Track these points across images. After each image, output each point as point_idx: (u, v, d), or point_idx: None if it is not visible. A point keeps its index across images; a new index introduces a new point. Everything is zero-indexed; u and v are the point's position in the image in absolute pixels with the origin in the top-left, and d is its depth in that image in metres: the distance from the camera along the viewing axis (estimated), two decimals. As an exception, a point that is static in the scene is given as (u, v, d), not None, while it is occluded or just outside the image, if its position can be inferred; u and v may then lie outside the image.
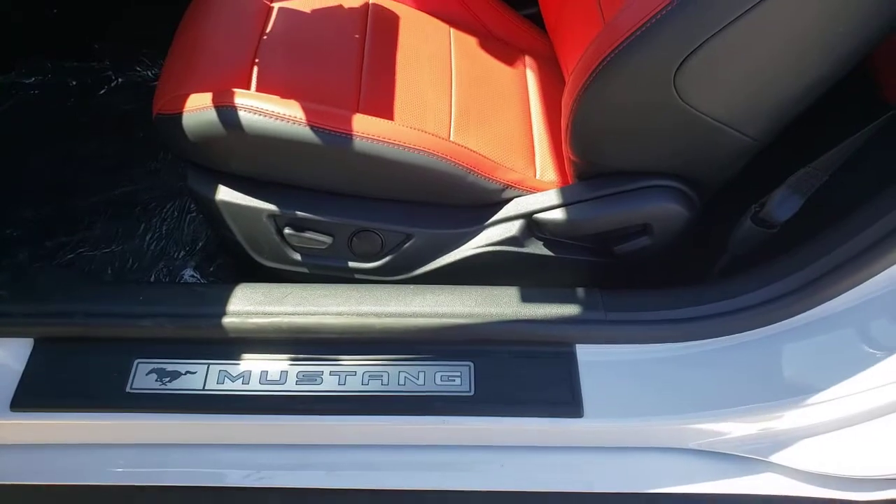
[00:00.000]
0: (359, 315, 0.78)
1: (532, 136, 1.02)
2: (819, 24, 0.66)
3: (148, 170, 1.26)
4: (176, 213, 1.21)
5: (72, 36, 1.43)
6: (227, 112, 0.79)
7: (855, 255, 0.70)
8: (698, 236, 0.90)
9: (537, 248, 0.90)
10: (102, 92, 1.37)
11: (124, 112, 1.34)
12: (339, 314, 0.78)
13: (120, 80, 1.38)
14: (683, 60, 0.67)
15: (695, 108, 0.72)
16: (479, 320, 0.78)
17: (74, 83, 1.39)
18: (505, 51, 1.16)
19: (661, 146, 0.79)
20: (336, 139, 0.80)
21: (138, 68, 1.40)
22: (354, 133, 0.80)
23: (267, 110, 0.79)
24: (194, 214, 1.22)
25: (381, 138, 0.81)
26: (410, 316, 0.78)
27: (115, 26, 1.40)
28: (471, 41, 1.14)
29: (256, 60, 0.92)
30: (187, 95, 0.84)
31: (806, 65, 0.70)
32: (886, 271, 0.69)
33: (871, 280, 0.70)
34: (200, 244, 1.18)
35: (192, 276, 1.14)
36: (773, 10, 0.63)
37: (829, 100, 0.76)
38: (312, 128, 0.79)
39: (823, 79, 0.72)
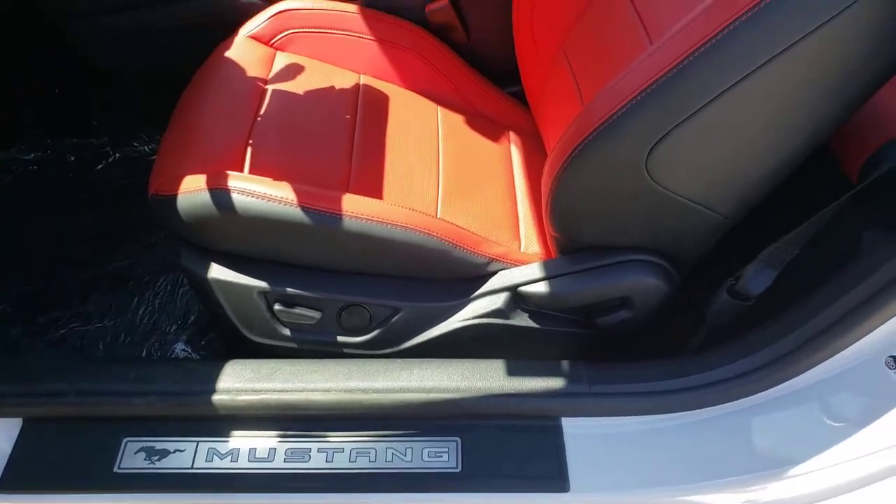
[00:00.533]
0: (346, 391, 0.79)
1: (517, 210, 1.06)
2: (785, 109, 0.70)
3: (143, 243, 1.29)
4: (169, 287, 1.23)
5: (73, 113, 1.48)
6: (220, 194, 0.82)
7: (823, 330, 0.73)
8: (679, 307, 0.92)
9: (523, 320, 0.92)
10: (100, 167, 1.42)
11: (121, 186, 1.38)
12: (327, 390, 0.79)
13: (118, 155, 1.42)
14: (654, 146, 0.71)
15: (667, 189, 0.75)
16: (465, 395, 0.79)
17: (73, 158, 1.43)
18: (490, 127, 1.21)
19: (638, 225, 0.82)
20: (326, 219, 0.83)
21: (136, 143, 1.45)
22: (344, 213, 0.83)
23: (259, 192, 0.83)
24: (187, 287, 1.24)
25: (369, 217, 0.84)
26: (398, 391, 0.79)
27: (115, 104, 1.45)
28: (457, 119, 1.19)
29: (250, 141, 0.96)
30: (182, 177, 0.87)
31: (774, 147, 0.74)
32: (852, 346, 0.72)
33: (839, 354, 0.73)
34: (192, 317, 1.19)
35: (184, 350, 1.15)
36: (739, 97, 0.67)
37: (794, 173, 0.80)
38: (303, 209, 0.82)
39: (792, 158, 0.76)
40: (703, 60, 0.65)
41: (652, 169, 0.73)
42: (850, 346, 0.72)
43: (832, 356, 0.73)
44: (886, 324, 0.72)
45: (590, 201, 0.80)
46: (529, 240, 1.00)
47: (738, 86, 0.66)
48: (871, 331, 0.72)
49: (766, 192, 0.80)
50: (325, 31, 1.18)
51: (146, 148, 1.44)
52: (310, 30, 1.17)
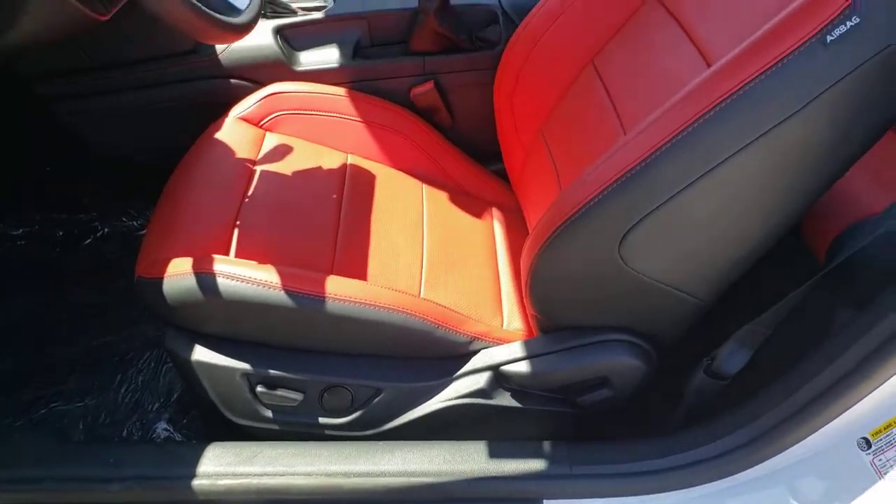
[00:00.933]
0: (328, 475, 0.79)
1: (500, 286, 1.08)
2: (752, 198, 0.73)
3: (128, 319, 1.29)
4: (152, 364, 1.23)
5: (62, 189, 1.51)
6: (206, 278, 0.84)
7: (795, 412, 0.74)
8: (659, 386, 0.93)
9: (505, 399, 0.93)
10: (88, 241, 1.43)
11: (108, 261, 1.39)
12: (309, 475, 0.79)
13: (106, 230, 1.44)
14: (626, 234, 0.74)
15: (641, 274, 0.78)
16: (447, 479, 0.79)
17: (61, 234, 1.45)
18: (474, 205, 1.25)
19: (614, 307, 0.84)
20: (310, 302, 0.85)
21: (124, 219, 1.47)
22: (328, 295, 0.85)
23: (244, 276, 0.84)
24: (171, 365, 1.24)
25: (353, 299, 0.86)
26: (379, 475, 0.79)
27: (105, 181, 1.48)
28: (442, 196, 1.22)
29: (238, 222, 0.99)
30: (168, 260, 0.89)
31: (744, 233, 0.77)
32: (824, 428, 0.73)
33: (811, 436, 0.74)
34: (175, 395, 1.19)
35: (166, 429, 1.14)
36: (708, 188, 0.70)
37: (767, 254, 0.83)
38: (288, 292, 0.84)
39: (764, 242, 0.79)
40: (670, 154, 0.69)
41: (625, 255, 0.76)
42: (821, 427, 0.73)
43: (805, 438, 0.74)
44: (858, 405, 0.74)
45: (566, 285, 0.82)
46: (512, 317, 1.02)
47: (705, 177, 0.69)
48: (843, 412, 0.73)
49: (739, 275, 0.83)
50: (313, 112, 1.22)
51: (135, 223, 1.46)
52: (299, 111, 1.21)
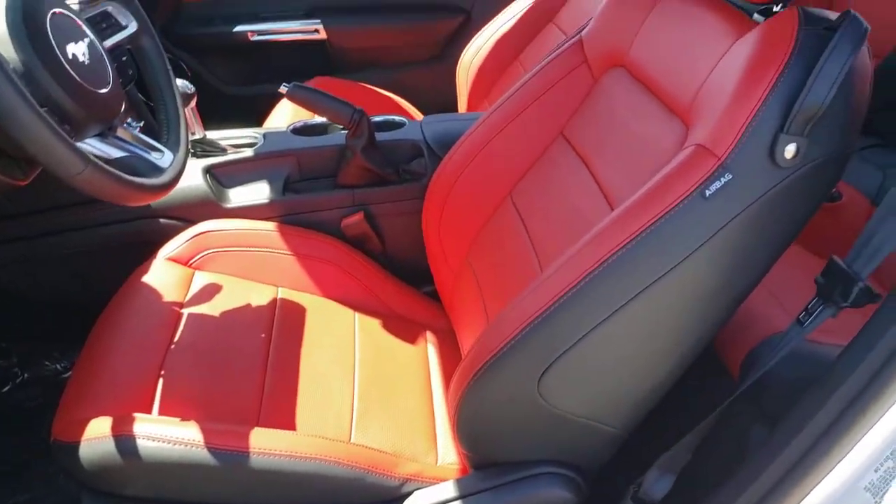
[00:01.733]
0: None
1: (434, 418, 1.08)
2: (660, 332, 0.77)
3: (46, 472, 1.22)
4: (71, 525, 1.16)
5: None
6: (125, 441, 0.81)
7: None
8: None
9: (441, 540, 0.91)
10: (7, 389, 1.37)
11: (28, 409, 1.33)
12: None
13: (26, 375, 1.39)
14: (543, 373, 0.77)
15: (561, 410, 0.80)
16: None
17: (-23, 382, 1.39)
18: (407, 328, 1.26)
19: (540, 441, 0.86)
20: (235, 458, 0.83)
21: (47, 363, 1.41)
22: (253, 450, 0.84)
23: (165, 436, 0.82)
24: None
25: (279, 453, 0.85)
26: None
27: (27, 326, 1.44)
28: (374, 323, 1.23)
29: (162, 373, 0.97)
30: (86, 421, 0.86)
31: (654, 365, 0.81)
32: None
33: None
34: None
35: None
36: (611, 329, 0.74)
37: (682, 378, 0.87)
38: (211, 450, 0.82)
39: (675, 370, 0.82)
40: (574, 301, 0.74)
41: (544, 393, 0.78)
42: None
43: None
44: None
45: (491, 424, 0.84)
46: (446, 450, 1.02)
47: (608, 321, 0.73)
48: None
49: (655, 402, 0.86)
50: (243, 248, 1.23)
51: (58, 366, 1.41)
52: (228, 248, 1.22)
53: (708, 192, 0.70)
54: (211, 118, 1.40)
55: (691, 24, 0.90)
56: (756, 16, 0.81)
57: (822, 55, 0.66)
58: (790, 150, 0.68)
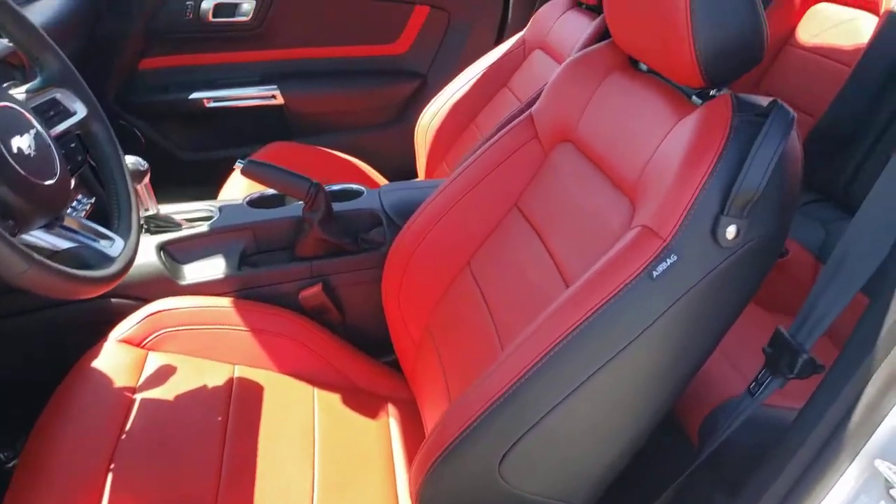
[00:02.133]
0: None
1: (396, 495, 1.05)
2: (616, 409, 0.77)
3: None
4: None
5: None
6: (70, 548, 0.78)
7: None
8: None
9: None
10: (-54, 482, 1.29)
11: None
12: None
13: (-33, 466, 1.32)
14: (504, 456, 0.76)
15: (523, 491, 0.80)
16: None
17: (-84, 473, 1.31)
18: (368, 402, 1.24)
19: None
20: (187, 559, 0.80)
21: (-8, 455, 1.35)
22: (207, 549, 0.80)
23: (114, 540, 0.79)
24: None
25: (235, 549, 0.82)
26: None
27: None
28: (334, 399, 1.21)
29: (112, 466, 0.93)
30: (31, 526, 0.82)
31: (611, 440, 0.81)
32: None
33: None
34: None
35: None
36: (569, 409, 0.75)
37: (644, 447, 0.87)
38: (162, 551, 0.79)
39: (635, 442, 0.83)
40: (530, 383, 0.74)
41: (505, 476, 0.78)
42: None
43: None
44: None
45: (454, 506, 0.83)
46: (410, 531, 1.00)
47: (565, 401, 0.74)
48: None
49: (616, 475, 0.86)
50: (198, 327, 1.21)
51: (1, 456, 1.34)
52: (183, 327, 1.20)
53: (655, 273, 0.72)
54: (167, 185, 1.38)
55: (635, 103, 0.94)
56: (694, 98, 0.85)
57: (755, 141, 0.70)
58: (731, 231, 0.70)
